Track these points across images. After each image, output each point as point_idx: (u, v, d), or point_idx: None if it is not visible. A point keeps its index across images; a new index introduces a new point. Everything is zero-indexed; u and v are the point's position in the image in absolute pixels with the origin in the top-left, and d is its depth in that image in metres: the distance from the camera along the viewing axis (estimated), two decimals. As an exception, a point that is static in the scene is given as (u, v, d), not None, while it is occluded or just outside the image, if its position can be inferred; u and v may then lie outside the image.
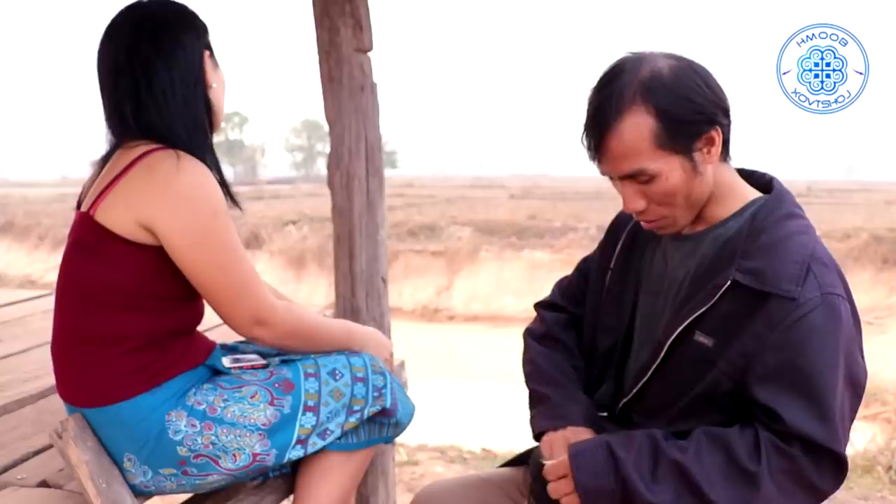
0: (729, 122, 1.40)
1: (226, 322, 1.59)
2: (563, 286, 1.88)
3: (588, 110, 1.40)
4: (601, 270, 1.70)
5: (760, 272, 1.34)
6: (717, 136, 1.37)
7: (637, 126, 1.33)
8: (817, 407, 1.29)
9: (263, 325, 1.58)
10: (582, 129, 1.40)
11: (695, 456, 1.32)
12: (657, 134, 1.33)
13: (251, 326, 1.58)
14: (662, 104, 1.33)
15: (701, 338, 1.38)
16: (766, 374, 1.31)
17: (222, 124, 1.72)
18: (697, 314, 1.38)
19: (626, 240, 1.66)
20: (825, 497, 1.36)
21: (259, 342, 1.66)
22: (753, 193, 1.48)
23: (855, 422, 1.41)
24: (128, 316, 1.52)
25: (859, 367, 1.37)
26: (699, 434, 1.35)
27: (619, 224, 1.71)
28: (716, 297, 1.36)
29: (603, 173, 1.43)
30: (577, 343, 1.75)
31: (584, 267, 1.81)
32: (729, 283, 1.35)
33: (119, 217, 1.48)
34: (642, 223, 1.49)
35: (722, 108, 1.38)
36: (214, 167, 1.57)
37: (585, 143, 1.40)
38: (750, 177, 1.53)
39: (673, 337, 1.41)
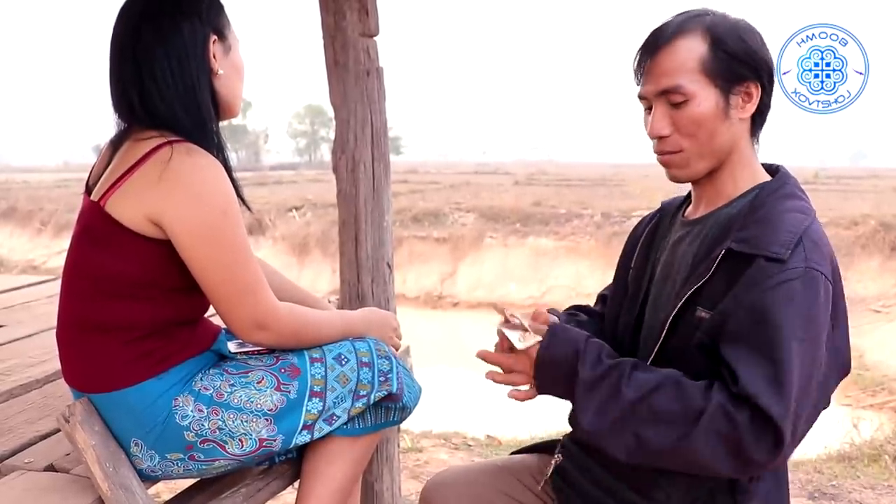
0: (769, 91, 1.45)
1: (226, 323, 1.58)
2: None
3: (647, 36, 1.48)
4: (623, 271, 1.72)
5: (752, 238, 1.35)
6: (755, 92, 1.43)
7: (689, 47, 1.41)
8: (776, 376, 1.26)
9: (264, 329, 1.58)
10: (636, 51, 1.49)
11: (645, 394, 1.33)
12: (704, 60, 1.41)
13: (252, 330, 1.57)
14: (719, 35, 1.41)
15: (702, 313, 1.39)
16: (736, 332, 1.31)
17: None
18: (695, 288, 1.39)
19: (645, 238, 1.68)
20: (756, 468, 1.32)
21: (259, 344, 1.66)
22: (765, 177, 1.50)
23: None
24: (134, 305, 1.52)
25: (835, 353, 1.36)
26: (665, 379, 1.35)
27: (640, 226, 1.75)
28: (712, 270, 1.38)
29: (643, 95, 1.49)
30: (597, 319, 1.79)
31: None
32: (724, 252, 1.37)
33: (129, 210, 1.48)
34: (658, 156, 1.51)
35: (768, 70, 1.44)
36: (223, 160, 1.55)
37: (637, 61, 1.49)
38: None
39: (673, 314, 1.42)
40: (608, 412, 1.35)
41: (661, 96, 1.44)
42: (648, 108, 1.48)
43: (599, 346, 1.44)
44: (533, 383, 1.49)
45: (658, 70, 1.43)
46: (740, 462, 1.29)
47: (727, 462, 1.29)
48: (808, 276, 1.30)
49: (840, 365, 1.41)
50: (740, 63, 1.40)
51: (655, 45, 1.44)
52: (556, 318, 1.65)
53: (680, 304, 1.41)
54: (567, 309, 1.86)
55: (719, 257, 1.38)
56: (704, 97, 1.41)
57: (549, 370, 1.44)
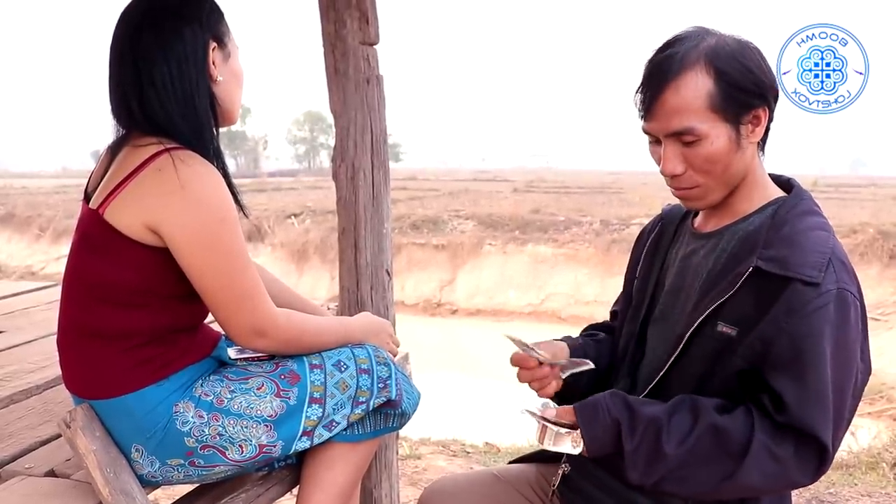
0: (775, 105, 1.43)
1: (224, 329, 1.59)
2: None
3: (647, 68, 1.43)
4: (629, 282, 1.73)
5: (783, 259, 1.35)
6: (764, 115, 1.40)
7: (696, 84, 1.36)
8: (820, 402, 1.31)
9: (263, 336, 1.58)
10: (638, 85, 1.43)
11: (688, 448, 1.36)
12: (713, 96, 1.36)
13: (250, 336, 1.57)
14: (724, 68, 1.36)
15: (724, 328, 1.39)
16: (779, 360, 1.33)
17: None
18: (718, 303, 1.40)
19: (649, 247, 1.69)
20: (800, 487, 1.43)
21: (257, 351, 1.67)
22: (777, 192, 1.50)
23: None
24: (133, 312, 1.53)
25: (859, 369, 1.39)
26: (702, 425, 1.36)
27: (643, 236, 1.75)
28: (737, 286, 1.38)
29: (649, 131, 1.45)
30: (608, 342, 1.78)
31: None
32: (751, 270, 1.37)
33: (127, 218, 1.48)
34: (673, 191, 1.50)
35: (773, 91, 1.41)
36: (220, 166, 1.56)
37: (640, 98, 1.43)
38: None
39: (693, 328, 1.42)
40: (654, 472, 1.38)
41: (671, 136, 1.40)
42: (655, 141, 1.45)
43: (624, 403, 1.43)
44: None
45: (665, 110, 1.39)
46: (786, 487, 1.41)
47: (773, 489, 1.39)
48: (840, 298, 1.33)
49: (868, 371, 1.43)
50: (747, 93, 1.38)
51: (660, 83, 1.38)
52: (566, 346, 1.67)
53: (700, 319, 1.42)
54: (584, 331, 1.87)
55: (746, 274, 1.37)
56: (717, 135, 1.38)
57: (600, 451, 1.44)
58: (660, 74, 1.39)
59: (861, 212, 18.81)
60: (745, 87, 1.37)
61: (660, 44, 1.44)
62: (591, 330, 1.85)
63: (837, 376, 1.32)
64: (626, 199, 23.64)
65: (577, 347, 1.71)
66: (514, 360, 1.56)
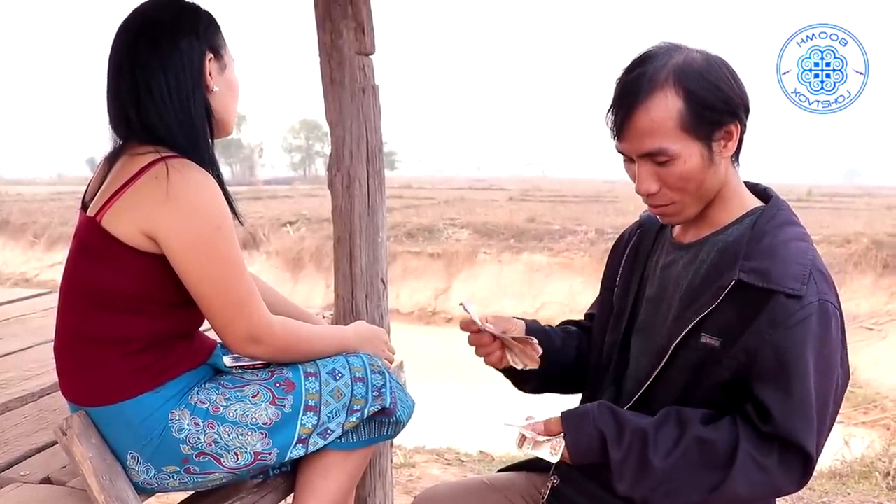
0: (746, 122, 1.44)
1: (220, 336, 1.60)
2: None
3: (617, 88, 1.44)
4: (608, 290, 1.74)
5: (765, 271, 1.36)
6: (735, 130, 1.42)
7: (666, 105, 1.37)
8: (804, 412, 1.33)
9: (258, 343, 1.59)
10: (609, 105, 1.44)
11: (674, 460, 1.37)
12: (683, 116, 1.37)
13: (245, 343, 1.59)
14: (692, 87, 1.37)
15: (708, 339, 1.40)
16: (764, 372, 1.34)
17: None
18: (702, 316, 1.41)
19: (628, 255, 1.70)
20: (785, 495, 1.44)
21: (253, 358, 1.68)
22: (754, 202, 1.52)
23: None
24: (130, 319, 1.54)
25: (839, 376, 1.41)
26: (689, 438, 1.38)
27: (621, 243, 1.76)
28: (720, 298, 1.39)
29: (622, 151, 1.46)
30: (578, 335, 1.82)
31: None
32: (733, 283, 1.38)
33: (125, 226, 1.50)
34: (650, 208, 1.53)
35: (745, 105, 1.42)
36: (215, 174, 1.58)
37: (611, 118, 1.44)
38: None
39: (678, 340, 1.43)
40: (643, 485, 1.40)
41: (644, 156, 1.42)
42: (629, 160, 1.47)
43: (611, 414, 1.45)
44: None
45: (636, 131, 1.40)
46: (772, 494, 1.42)
47: (760, 497, 1.40)
48: (821, 310, 1.35)
49: (847, 378, 1.45)
50: (717, 111, 1.39)
51: (630, 104, 1.39)
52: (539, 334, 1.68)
53: (685, 331, 1.43)
54: (559, 325, 1.88)
55: (728, 287, 1.38)
56: (689, 154, 1.39)
57: (584, 459, 1.47)
58: (629, 95, 1.40)
59: (855, 221, 18.88)
60: (714, 106, 1.38)
61: (628, 62, 1.45)
62: (566, 324, 1.88)
63: (820, 386, 1.34)
64: (621, 208, 23.64)
65: (539, 331, 1.72)
66: (461, 325, 1.63)
